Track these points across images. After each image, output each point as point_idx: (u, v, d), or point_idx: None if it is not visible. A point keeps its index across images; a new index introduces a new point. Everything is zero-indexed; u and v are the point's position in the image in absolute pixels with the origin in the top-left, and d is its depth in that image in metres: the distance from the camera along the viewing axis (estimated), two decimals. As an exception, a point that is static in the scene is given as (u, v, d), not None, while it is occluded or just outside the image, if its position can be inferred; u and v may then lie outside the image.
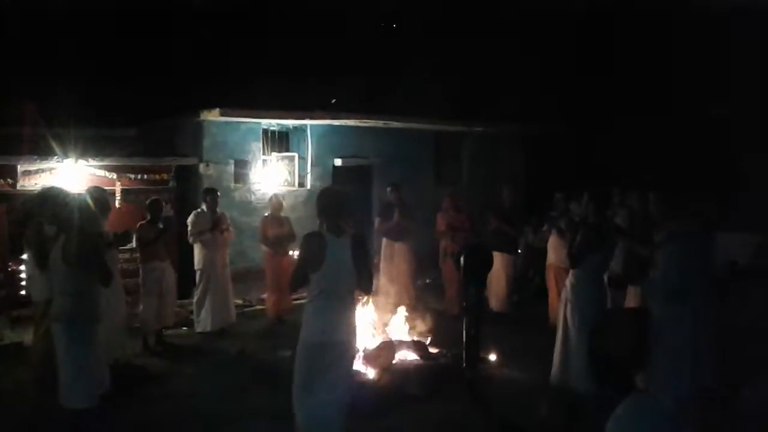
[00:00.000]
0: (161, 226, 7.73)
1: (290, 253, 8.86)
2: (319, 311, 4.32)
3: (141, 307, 7.77)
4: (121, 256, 8.51)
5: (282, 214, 9.05)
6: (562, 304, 5.88)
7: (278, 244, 8.77)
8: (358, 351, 6.60)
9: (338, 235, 4.30)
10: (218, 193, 8.56)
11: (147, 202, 8.00)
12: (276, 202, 8.98)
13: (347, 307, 4.39)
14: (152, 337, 7.84)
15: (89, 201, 4.84)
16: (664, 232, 4.70)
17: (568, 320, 5.73)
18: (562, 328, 5.82)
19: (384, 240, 9.54)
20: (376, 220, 9.61)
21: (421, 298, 9.64)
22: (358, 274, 4.31)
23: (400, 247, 9.43)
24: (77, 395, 4.61)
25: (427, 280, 10.27)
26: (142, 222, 7.76)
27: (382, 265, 9.53)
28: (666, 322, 4.41)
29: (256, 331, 8.53)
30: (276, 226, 8.81)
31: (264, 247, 8.92)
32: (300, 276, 4.36)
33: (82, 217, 4.68)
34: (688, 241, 4.46)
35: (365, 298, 7.73)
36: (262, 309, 9.40)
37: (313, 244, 4.30)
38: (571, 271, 5.81)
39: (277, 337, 7.98)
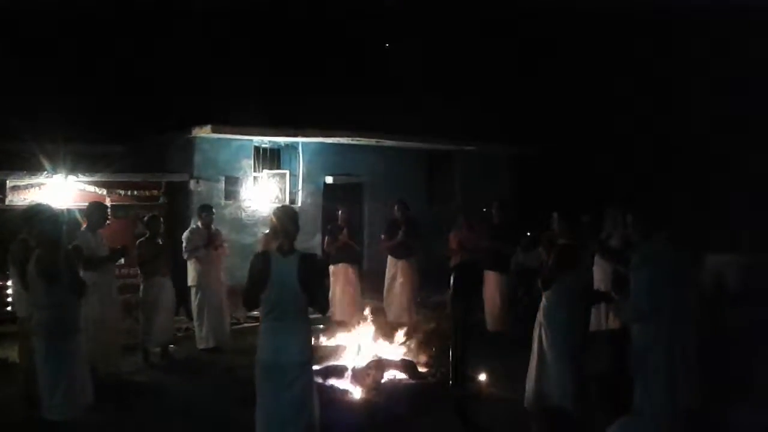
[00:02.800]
0: (160, 242, 7.81)
1: None
2: (268, 331, 4.33)
3: (141, 322, 7.81)
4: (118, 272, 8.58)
5: None
6: (536, 326, 5.74)
7: None
8: (341, 371, 6.62)
9: (285, 254, 4.30)
10: (213, 210, 8.59)
11: (145, 219, 8.10)
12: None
13: (298, 327, 4.34)
14: (153, 352, 7.89)
15: (61, 216, 4.91)
16: (636, 254, 4.70)
17: (543, 343, 5.60)
18: (536, 350, 5.68)
19: (389, 257, 9.54)
20: (382, 237, 9.58)
21: (424, 316, 9.57)
22: (308, 294, 4.27)
23: (403, 265, 9.42)
24: (58, 407, 4.62)
25: (417, 299, 10.23)
26: (141, 239, 7.84)
27: (385, 283, 9.53)
28: (641, 342, 4.41)
29: (245, 347, 8.46)
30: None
31: None
32: (249, 296, 4.37)
33: (55, 232, 4.72)
34: (660, 262, 4.45)
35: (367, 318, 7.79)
36: (252, 326, 9.33)
37: (257, 263, 4.34)
38: (543, 294, 5.68)
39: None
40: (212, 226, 8.44)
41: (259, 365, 4.33)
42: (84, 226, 6.94)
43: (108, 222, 8.54)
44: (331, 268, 9.35)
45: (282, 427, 4.26)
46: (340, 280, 9.33)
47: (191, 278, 8.39)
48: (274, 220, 4.52)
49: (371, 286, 9.90)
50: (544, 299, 5.67)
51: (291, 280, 4.22)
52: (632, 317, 4.63)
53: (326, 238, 9.36)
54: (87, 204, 7.29)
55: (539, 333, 5.68)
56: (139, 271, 7.92)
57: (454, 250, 9.02)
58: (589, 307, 6.16)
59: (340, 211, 9.46)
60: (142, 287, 7.80)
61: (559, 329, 5.48)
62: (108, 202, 8.93)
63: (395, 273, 9.47)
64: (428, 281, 10.09)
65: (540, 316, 5.69)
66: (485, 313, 8.96)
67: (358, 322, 7.79)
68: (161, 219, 8.13)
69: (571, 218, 5.69)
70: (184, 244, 8.28)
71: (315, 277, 4.38)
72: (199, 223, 8.38)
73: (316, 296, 4.37)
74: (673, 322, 4.38)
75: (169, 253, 8.04)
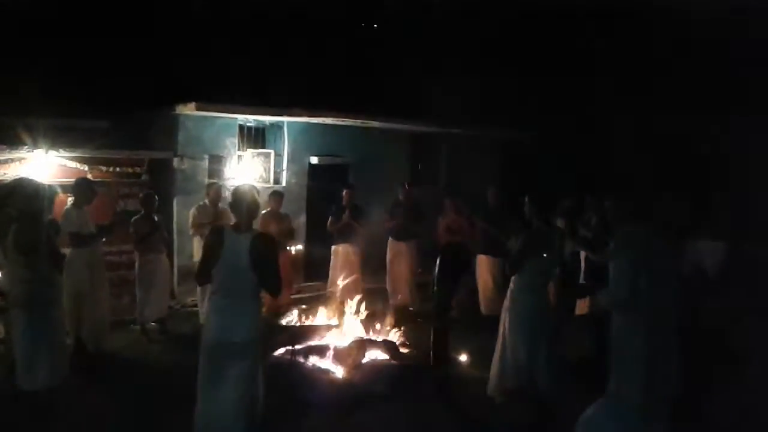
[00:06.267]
0: (156, 219, 7.87)
1: (289, 249, 8.95)
2: (216, 309, 4.31)
3: (137, 298, 7.92)
4: (106, 248, 8.56)
5: (282, 210, 9.00)
6: (503, 311, 5.71)
7: (279, 240, 8.72)
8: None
9: (239, 232, 4.28)
10: (222, 187, 8.59)
11: (140, 196, 8.20)
12: (276, 199, 8.91)
13: (246, 306, 4.31)
14: (148, 328, 8.01)
15: (42, 191, 4.93)
16: (616, 240, 4.71)
17: (508, 328, 5.59)
18: (501, 336, 5.67)
19: (389, 239, 9.56)
20: (386, 219, 9.56)
21: (422, 298, 9.57)
22: (258, 274, 4.22)
23: (404, 247, 9.44)
24: (34, 378, 4.75)
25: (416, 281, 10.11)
26: (136, 216, 7.90)
27: (387, 265, 9.56)
28: (620, 329, 4.43)
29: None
30: (277, 222, 8.77)
31: None
32: (201, 270, 4.36)
33: (34, 207, 4.75)
34: (640, 248, 4.45)
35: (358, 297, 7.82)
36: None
37: (210, 239, 4.34)
38: (512, 278, 5.64)
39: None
40: (220, 204, 8.40)
41: (205, 343, 4.29)
42: (68, 201, 6.94)
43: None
44: (333, 247, 9.40)
45: (223, 409, 4.22)
46: (340, 260, 9.37)
47: (196, 254, 8.45)
48: (231, 197, 4.48)
49: (364, 267, 9.87)
50: (512, 283, 5.64)
51: (242, 258, 4.18)
52: (609, 303, 4.66)
53: (329, 218, 9.34)
54: (74, 180, 7.29)
55: (504, 318, 5.65)
56: (133, 248, 8.00)
57: (441, 233, 9.02)
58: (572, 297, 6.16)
59: (344, 192, 9.39)
60: (137, 264, 7.88)
61: (527, 313, 5.46)
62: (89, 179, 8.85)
63: (395, 254, 9.52)
64: (424, 263, 10.09)
65: (507, 301, 5.66)
66: (479, 296, 9.00)
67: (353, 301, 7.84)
68: (156, 196, 8.14)
69: (541, 202, 5.62)
70: (190, 221, 8.32)
71: (267, 258, 4.28)
72: (207, 200, 8.37)
73: (267, 277, 4.29)
74: (654, 309, 4.40)
75: (164, 229, 8.11)
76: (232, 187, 4.61)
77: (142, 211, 7.88)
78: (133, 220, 7.86)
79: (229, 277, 4.23)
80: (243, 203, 4.36)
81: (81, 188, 6.93)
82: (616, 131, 13.26)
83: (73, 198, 7.04)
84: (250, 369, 4.30)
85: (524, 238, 5.53)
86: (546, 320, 5.54)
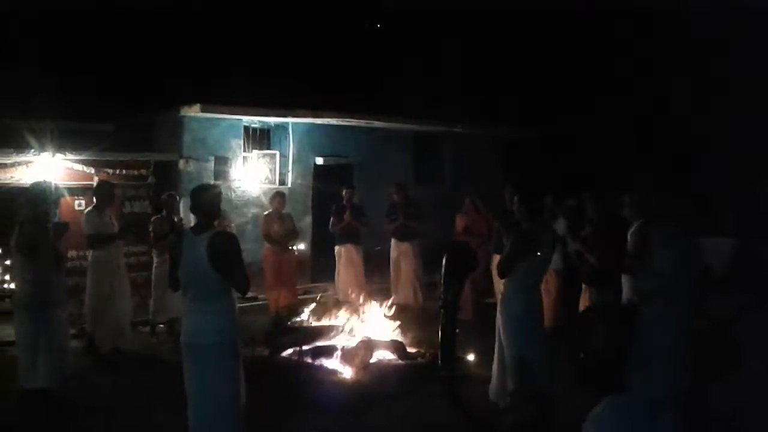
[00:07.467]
0: (175, 219, 7.87)
1: (292, 249, 9.03)
2: (186, 312, 4.29)
3: (152, 298, 7.95)
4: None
5: (284, 211, 9.01)
6: (497, 316, 5.51)
7: (281, 241, 8.76)
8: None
9: (197, 233, 4.18)
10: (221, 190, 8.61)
11: (162, 198, 8.26)
12: (279, 200, 8.90)
13: (212, 307, 4.17)
14: (164, 328, 8.00)
15: (49, 195, 5.08)
16: (657, 233, 4.69)
17: (501, 331, 5.43)
18: (498, 342, 5.52)
19: (392, 240, 9.60)
20: (385, 221, 9.60)
21: (427, 297, 9.55)
22: (221, 273, 4.09)
23: (406, 247, 9.49)
24: (34, 376, 4.88)
25: (422, 280, 10.03)
26: (156, 216, 7.99)
27: (391, 266, 9.61)
28: (654, 322, 4.42)
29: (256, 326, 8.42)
30: (279, 223, 8.79)
31: (266, 244, 8.84)
32: (170, 275, 4.34)
33: (37, 210, 4.90)
34: (683, 243, 4.51)
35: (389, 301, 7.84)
36: (259, 305, 9.33)
37: (173, 242, 4.35)
38: (503, 281, 5.48)
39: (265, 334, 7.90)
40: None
41: (181, 346, 4.29)
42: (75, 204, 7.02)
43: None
44: (335, 248, 9.43)
45: (198, 410, 4.23)
46: (343, 260, 9.41)
47: None
48: (190, 198, 4.39)
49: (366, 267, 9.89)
50: (502, 285, 5.50)
51: (200, 259, 4.06)
52: (652, 296, 4.63)
53: (331, 218, 9.36)
54: (96, 183, 7.49)
55: (498, 320, 5.50)
56: (153, 248, 8.05)
57: (459, 233, 8.98)
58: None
59: (344, 191, 9.40)
60: (154, 264, 7.94)
61: (518, 314, 5.28)
62: (96, 181, 8.88)
63: (398, 255, 9.56)
64: (428, 262, 10.10)
65: (499, 304, 5.50)
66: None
67: (359, 302, 7.85)
68: (177, 198, 8.17)
69: (531, 201, 5.37)
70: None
71: (227, 256, 4.14)
72: None
73: (232, 276, 4.17)
74: (686, 303, 4.45)
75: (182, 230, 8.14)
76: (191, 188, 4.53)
77: (163, 212, 7.95)
78: (153, 219, 7.93)
79: (191, 279, 4.16)
80: (199, 203, 4.28)
81: (102, 191, 7.04)
82: (616, 130, 13.26)
83: (94, 201, 7.12)
84: (226, 371, 4.21)
85: (513, 240, 5.32)
86: (537, 320, 5.44)
